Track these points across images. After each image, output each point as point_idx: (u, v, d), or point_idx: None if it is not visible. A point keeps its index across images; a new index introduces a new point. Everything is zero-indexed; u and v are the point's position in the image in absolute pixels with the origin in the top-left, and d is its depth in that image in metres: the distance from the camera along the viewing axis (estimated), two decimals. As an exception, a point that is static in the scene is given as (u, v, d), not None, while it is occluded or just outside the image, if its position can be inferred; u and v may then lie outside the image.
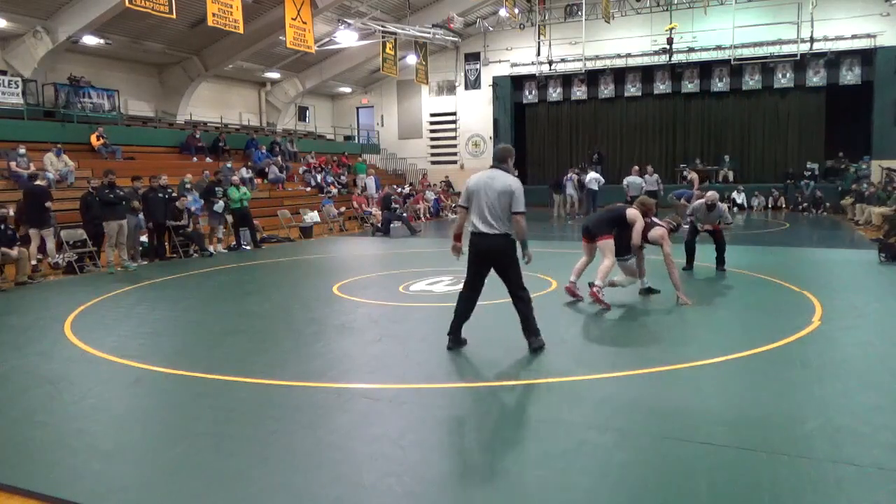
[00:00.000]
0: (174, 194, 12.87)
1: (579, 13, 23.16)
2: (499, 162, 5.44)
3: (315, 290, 9.14)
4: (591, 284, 7.33)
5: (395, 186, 23.47)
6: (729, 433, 3.69)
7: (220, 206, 13.76)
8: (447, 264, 11.24)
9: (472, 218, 5.29)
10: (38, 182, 11.47)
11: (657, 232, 7.54)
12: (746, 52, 22.65)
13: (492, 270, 5.46)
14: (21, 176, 13.52)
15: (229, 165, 18.00)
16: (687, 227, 9.68)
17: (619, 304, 7.39)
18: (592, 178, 20.41)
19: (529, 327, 5.43)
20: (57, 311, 7.66)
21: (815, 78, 22.48)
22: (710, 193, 9.72)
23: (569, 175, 20.96)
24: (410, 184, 25.27)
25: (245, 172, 17.88)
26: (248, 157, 20.40)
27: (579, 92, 25.82)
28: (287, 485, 3.23)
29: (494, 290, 8.42)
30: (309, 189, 21.15)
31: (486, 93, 27.08)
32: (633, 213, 7.45)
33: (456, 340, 5.59)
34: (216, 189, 14.20)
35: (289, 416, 4.13)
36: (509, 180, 5.25)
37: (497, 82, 26.70)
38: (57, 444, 3.80)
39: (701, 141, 24.83)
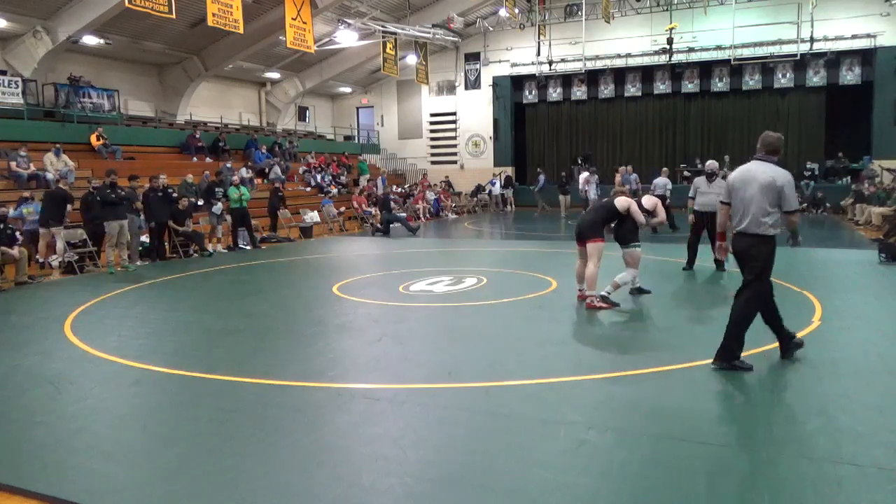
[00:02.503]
0: (175, 195, 12.87)
1: (579, 13, 23.16)
2: (766, 153, 4.93)
3: (315, 290, 9.14)
4: (584, 295, 7.33)
5: (394, 187, 23.52)
6: (729, 433, 3.70)
7: (217, 207, 13.77)
8: (447, 264, 11.25)
9: (734, 216, 4.93)
10: (60, 185, 11.80)
11: (651, 201, 7.56)
12: (746, 52, 22.64)
13: None
14: (21, 176, 13.55)
15: (229, 165, 18.00)
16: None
17: (618, 304, 7.39)
18: (585, 178, 20.55)
19: (728, 337, 4.85)
20: (57, 311, 7.66)
21: (815, 78, 22.47)
22: (709, 162, 9.73)
23: (586, 175, 20.98)
24: (414, 184, 25.27)
25: (245, 172, 17.89)
26: (248, 157, 20.40)
27: (579, 92, 25.82)
28: (287, 485, 3.23)
29: (496, 290, 8.43)
30: (309, 189, 21.15)
31: (486, 93, 27.07)
32: (621, 200, 7.38)
33: (787, 345, 5.02)
34: (216, 189, 14.21)
35: (289, 416, 4.13)
36: (775, 174, 4.76)
37: (497, 82, 26.69)
38: (57, 444, 3.80)
39: (701, 141, 24.81)
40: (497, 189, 25.25)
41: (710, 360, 4.93)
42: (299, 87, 25.63)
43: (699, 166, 23.27)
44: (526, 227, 18.84)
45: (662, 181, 15.62)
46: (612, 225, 7.52)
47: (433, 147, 28.56)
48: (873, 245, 11.40)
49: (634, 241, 7.38)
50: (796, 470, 3.27)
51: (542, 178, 24.90)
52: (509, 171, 26.47)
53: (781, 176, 4.78)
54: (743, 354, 4.91)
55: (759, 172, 4.83)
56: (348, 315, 7.21)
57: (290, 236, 16.55)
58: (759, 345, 5.47)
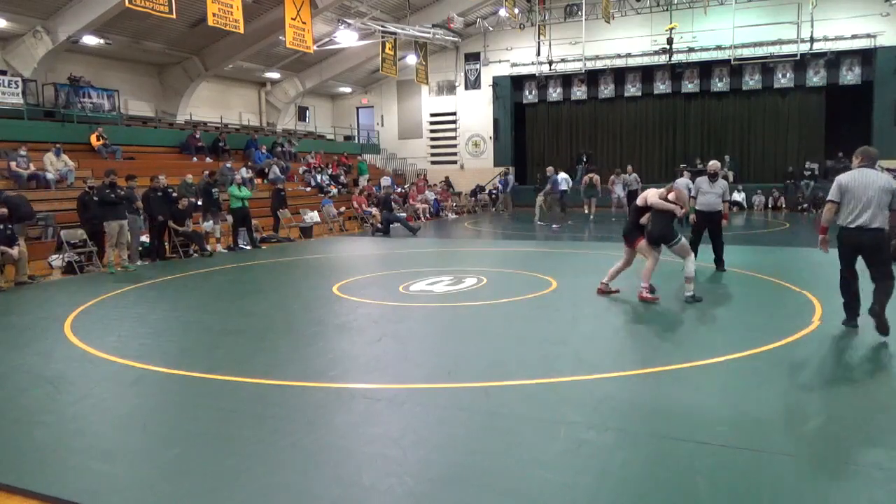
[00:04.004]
0: (175, 195, 12.86)
1: (579, 13, 23.17)
2: (872, 162, 5.81)
3: (315, 290, 9.14)
4: (603, 289, 7.66)
5: (395, 186, 23.51)
6: (729, 433, 3.69)
7: (209, 224, 13.80)
8: (447, 264, 11.25)
9: (848, 214, 5.64)
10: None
11: (677, 194, 7.54)
12: (746, 52, 22.65)
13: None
14: (21, 176, 13.54)
15: (229, 165, 18.01)
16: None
17: (619, 305, 7.39)
18: (562, 178, 20.63)
19: (879, 309, 5.50)
20: (57, 311, 7.66)
21: (815, 78, 22.48)
22: (711, 163, 9.72)
23: (612, 177, 21.00)
24: (413, 183, 25.23)
25: (245, 172, 17.88)
26: (248, 157, 20.39)
27: (579, 92, 25.83)
28: (287, 485, 3.23)
29: (496, 290, 8.43)
30: (309, 189, 21.15)
31: (486, 93, 27.08)
32: (642, 196, 7.51)
33: (856, 323, 5.89)
34: (212, 190, 14.17)
35: (289, 416, 4.13)
36: (889, 178, 5.68)
37: (497, 82, 26.70)
38: (57, 444, 3.80)
39: (701, 141, 24.84)
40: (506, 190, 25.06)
41: (710, 361, 4.97)
42: (299, 87, 25.63)
43: (699, 166, 23.34)
44: (526, 227, 18.83)
45: (684, 182, 15.48)
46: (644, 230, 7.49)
47: (433, 147, 28.56)
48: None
49: (670, 238, 7.29)
50: (796, 470, 3.27)
51: (510, 178, 24.44)
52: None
53: (894, 180, 5.71)
54: (744, 354, 5.08)
55: (875, 177, 5.66)
56: (348, 315, 7.21)
57: (290, 236, 16.54)
58: (760, 345, 5.47)
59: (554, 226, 17.73)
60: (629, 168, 20.09)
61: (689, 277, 7.30)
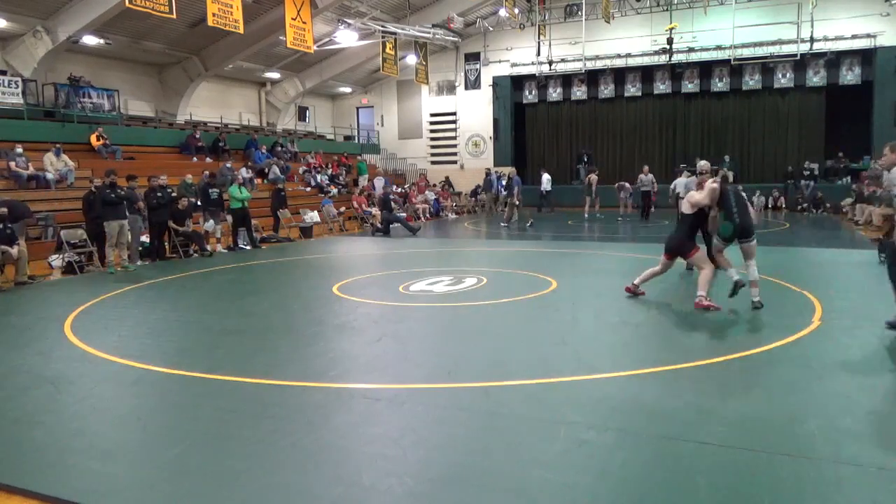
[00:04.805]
0: (174, 195, 12.86)
1: (579, 13, 23.16)
2: None
3: (315, 290, 9.13)
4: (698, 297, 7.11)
5: (394, 186, 23.50)
6: (729, 433, 3.69)
7: (210, 224, 13.81)
8: (447, 264, 11.25)
9: None
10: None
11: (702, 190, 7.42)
12: (746, 52, 22.65)
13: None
14: (21, 176, 13.54)
15: (229, 165, 18.01)
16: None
17: (619, 305, 7.39)
18: (546, 179, 20.89)
19: None
20: (57, 311, 7.66)
21: (815, 78, 22.49)
22: (702, 163, 9.71)
23: (620, 182, 21.13)
24: (413, 183, 25.19)
25: (245, 172, 17.88)
26: (248, 157, 20.39)
27: (579, 92, 25.83)
28: (287, 485, 3.23)
29: (496, 290, 8.43)
30: (309, 189, 21.15)
31: (486, 93, 27.08)
32: (688, 202, 7.37)
33: None
34: (211, 190, 14.16)
35: (289, 416, 4.13)
36: None
37: (497, 82, 26.70)
38: (57, 444, 3.80)
39: (701, 141, 24.83)
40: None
41: (710, 361, 5.01)
42: (299, 87, 25.63)
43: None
44: (524, 227, 18.83)
45: (684, 181, 15.45)
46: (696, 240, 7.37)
47: (433, 147, 28.56)
48: (873, 245, 11.40)
49: (751, 233, 7.18)
50: (796, 470, 3.26)
51: (492, 178, 23.83)
52: (506, 171, 26.30)
53: None
54: (744, 354, 5.06)
55: None
56: (348, 315, 7.21)
57: (290, 236, 16.54)
58: (760, 345, 5.47)
59: (501, 223, 18.69)
60: (645, 168, 20.03)
61: (753, 281, 7.05)
